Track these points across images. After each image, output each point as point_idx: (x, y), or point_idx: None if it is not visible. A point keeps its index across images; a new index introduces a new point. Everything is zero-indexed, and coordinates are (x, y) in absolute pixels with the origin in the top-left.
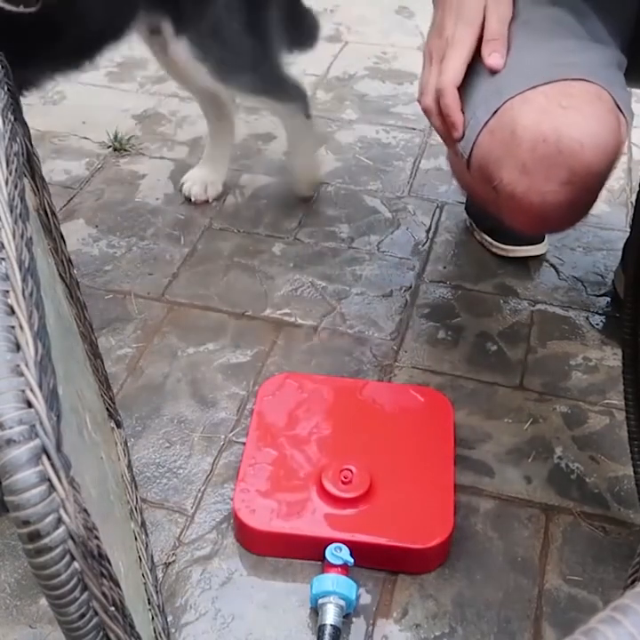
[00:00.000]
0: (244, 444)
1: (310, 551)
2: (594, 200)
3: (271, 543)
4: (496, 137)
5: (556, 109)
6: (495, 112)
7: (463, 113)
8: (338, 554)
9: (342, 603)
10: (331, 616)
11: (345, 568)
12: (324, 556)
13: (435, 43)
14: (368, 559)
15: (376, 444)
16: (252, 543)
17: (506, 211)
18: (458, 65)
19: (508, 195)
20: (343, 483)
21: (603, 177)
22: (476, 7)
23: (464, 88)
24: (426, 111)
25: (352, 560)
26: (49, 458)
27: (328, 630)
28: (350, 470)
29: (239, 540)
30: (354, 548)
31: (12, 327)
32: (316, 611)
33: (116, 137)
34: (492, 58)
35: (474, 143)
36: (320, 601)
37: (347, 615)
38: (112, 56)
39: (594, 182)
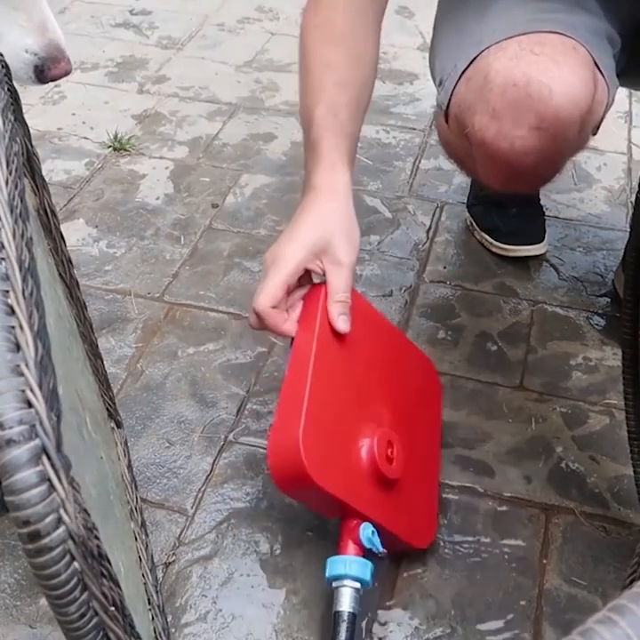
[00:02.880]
0: (244, 444)
1: (337, 514)
2: (563, 155)
3: (310, 495)
4: (471, 84)
5: (528, 56)
6: (472, 61)
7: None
8: (373, 539)
9: (357, 585)
10: (347, 602)
11: (362, 549)
12: (350, 534)
13: (268, 254)
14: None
15: (400, 422)
16: (290, 487)
17: (478, 162)
18: (274, 285)
19: (479, 141)
20: (388, 459)
21: (572, 128)
22: (315, 235)
23: (445, 42)
24: (253, 327)
25: (382, 550)
26: (49, 458)
27: (344, 616)
28: (392, 444)
29: (275, 476)
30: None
31: (12, 327)
32: (328, 594)
33: (115, 137)
34: (341, 321)
35: (451, 93)
36: (335, 584)
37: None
38: (112, 56)
39: (562, 131)
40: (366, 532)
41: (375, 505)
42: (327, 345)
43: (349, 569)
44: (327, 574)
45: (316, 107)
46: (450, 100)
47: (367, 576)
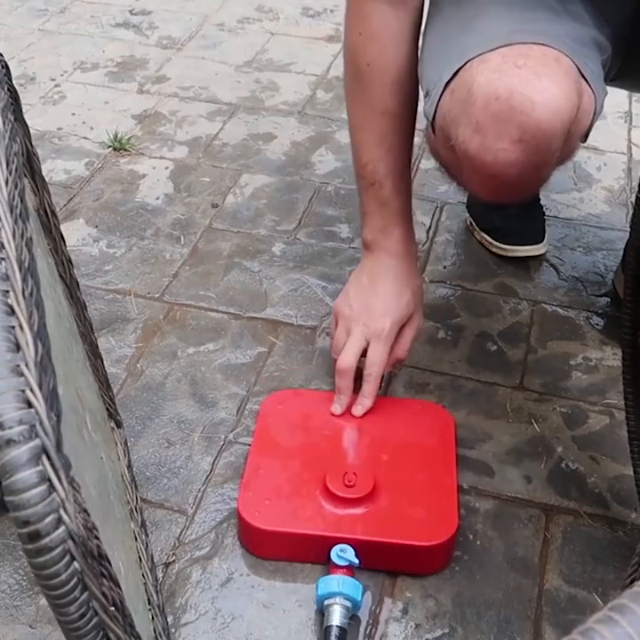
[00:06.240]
0: (244, 444)
1: (316, 552)
2: (548, 166)
3: (277, 545)
4: (455, 96)
5: (511, 68)
6: (457, 72)
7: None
8: (343, 555)
9: (348, 604)
10: (337, 617)
11: (350, 570)
12: (329, 558)
13: (344, 311)
14: (373, 560)
15: (379, 454)
16: (257, 546)
17: (464, 173)
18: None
19: (463, 153)
20: (347, 485)
21: (555, 139)
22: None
23: (432, 51)
24: (342, 372)
25: (357, 561)
26: (49, 458)
27: (334, 631)
28: (354, 474)
29: (244, 543)
30: (359, 548)
31: (12, 327)
32: (321, 612)
33: (115, 137)
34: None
35: (437, 105)
36: (326, 602)
37: (352, 617)
38: (112, 56)
39: (546, 143)
40: (335, 551)
41: (347, 524)
42: (266, 439)
43: (341, 588)
44: (318, 593)
45: (364, 158)
46: (435, 111)
47: (358, 596)
